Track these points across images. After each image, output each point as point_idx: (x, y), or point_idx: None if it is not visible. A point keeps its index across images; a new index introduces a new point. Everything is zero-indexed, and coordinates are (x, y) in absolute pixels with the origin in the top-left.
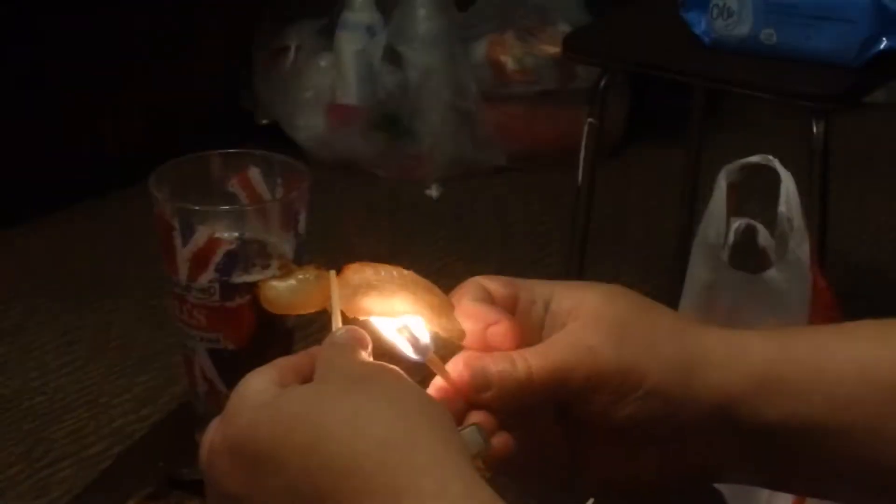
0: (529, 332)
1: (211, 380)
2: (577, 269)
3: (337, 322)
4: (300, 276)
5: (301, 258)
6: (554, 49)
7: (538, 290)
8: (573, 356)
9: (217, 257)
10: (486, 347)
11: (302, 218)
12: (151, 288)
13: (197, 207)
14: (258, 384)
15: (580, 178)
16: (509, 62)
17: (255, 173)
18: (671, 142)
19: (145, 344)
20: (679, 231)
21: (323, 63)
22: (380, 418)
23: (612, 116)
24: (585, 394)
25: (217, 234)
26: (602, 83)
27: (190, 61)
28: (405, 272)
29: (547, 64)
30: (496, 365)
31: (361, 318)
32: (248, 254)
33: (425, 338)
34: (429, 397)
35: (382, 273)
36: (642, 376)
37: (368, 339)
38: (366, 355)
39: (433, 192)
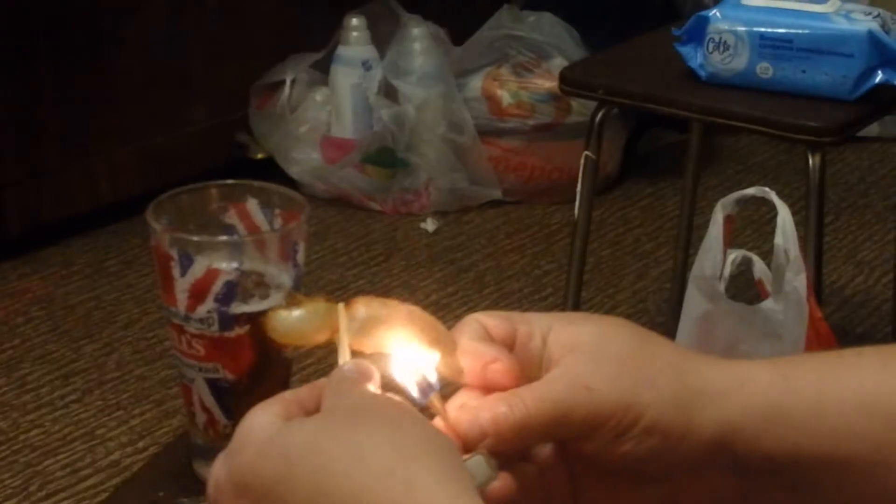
0: (528, 367)
1: (210, 410)
2: (573, 301)
3: (344, 355)
4: (308, 308)
5: (299, 290)
6: (549, 83)
7: (536, 323)
8: (571, 396)
9: (216, 288)
10: (486, 386)
11: (300, 249)
12: (147, 321)
13: (195, 238)
14: (263, 418)
15: (577, 210)
16: (505, 97)
17: (252, 204)
18: (667, 175)
19: (142, 377)
20: (675, 263)
21: (318, 97)
22: (383, 449)
23: (608, 150)
24: (585, 431)
25: (215, 265)
26: (598, 117)
27: (184, 94)
28: (413, 308)
29: (542, 98)
30: (491, 410)
31: (368, 351)
32: (246, 284)
33: (432, 378)
34: (434, 428)
35: (390, 307)
36: (641, 412)
37: (375, 372)
38: (372, 388)
39: (429, 225)
